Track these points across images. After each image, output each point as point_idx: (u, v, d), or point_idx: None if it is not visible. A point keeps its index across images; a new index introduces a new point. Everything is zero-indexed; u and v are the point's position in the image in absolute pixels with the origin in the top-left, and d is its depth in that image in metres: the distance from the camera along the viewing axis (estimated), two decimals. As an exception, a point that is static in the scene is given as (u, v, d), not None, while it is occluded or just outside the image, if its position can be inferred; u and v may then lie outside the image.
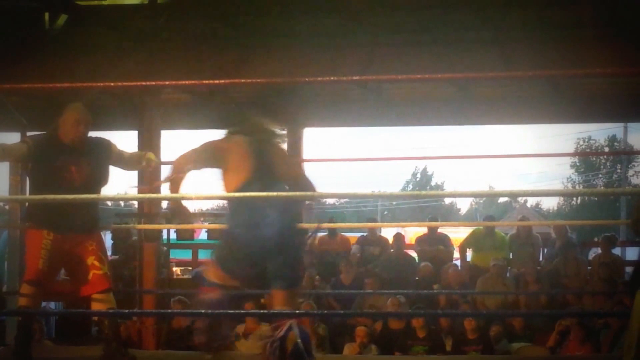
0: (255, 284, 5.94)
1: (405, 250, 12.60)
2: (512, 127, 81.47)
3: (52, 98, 10.50)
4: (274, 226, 5.27)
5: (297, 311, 5.76)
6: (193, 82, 8.73)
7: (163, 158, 8.46)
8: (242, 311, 5.03)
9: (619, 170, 47.70)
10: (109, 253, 7.17)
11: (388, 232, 14.82)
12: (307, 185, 5.62)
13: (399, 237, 12.42)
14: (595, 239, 13.58)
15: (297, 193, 5.14)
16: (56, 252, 6.05)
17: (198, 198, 5.38)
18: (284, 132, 5.97)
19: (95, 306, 6.17)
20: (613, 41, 9.59)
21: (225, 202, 7.44)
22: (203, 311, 5.54)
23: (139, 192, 8.47)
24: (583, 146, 50.16)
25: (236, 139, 5.63)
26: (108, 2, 10.63)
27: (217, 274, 5.61)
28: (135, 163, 6.53)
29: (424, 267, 11.67)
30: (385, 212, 51.67)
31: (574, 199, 51.32)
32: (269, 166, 5.53)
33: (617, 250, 12.45)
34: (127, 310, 5.59)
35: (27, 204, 6.77)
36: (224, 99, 12.37)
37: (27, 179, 6.52)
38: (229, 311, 5.54)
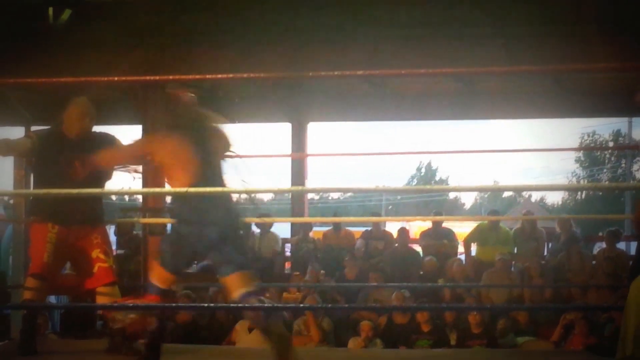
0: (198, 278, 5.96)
1: (409, 245, 12.61)
2: (516, 122, 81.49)
3: (56, 93, 10.52)
4: (221, 221, 5.29)
5: (301, 304, 5.77)
6: (197, 76, 8.72)
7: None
8: (246, 305, 5.04)
9: (623, 165, 47.63)
10: (113, 247, 7.19)
11: (393, 227, 14.83)
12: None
13: (403, 232, 12.42)
14: (600, 234, 13.60)
15: (302, 188, 5.15)
16: (61, 246, 6.08)
17: (204, 192, 5.36)
18: (227, 124, 5.90)
19: (101, 300, 6.19)
20: (617, 36, 9.59)
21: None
22: (206, 305, 5.55)
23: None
24: (587, 141, 50.09)
25: (178, 134, 5.52)
26: (112, -3, 10.66)
27: (161, 275, 5.56)
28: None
29: (428, 262, 11.68)
30: (390, 207, 51.70)
31: (579, 193, 51.25)
32: (214, 157, 5.52)
33: (621, 245, 12.43)
34: (131, 304, 5.59)
35: (31, 198, 6.78)
36: (228, 94, 12.37)
37: (32, 173, 6.53)
38: (235, 305, 5.53)
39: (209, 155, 5.46)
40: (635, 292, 2.77)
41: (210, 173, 5.40)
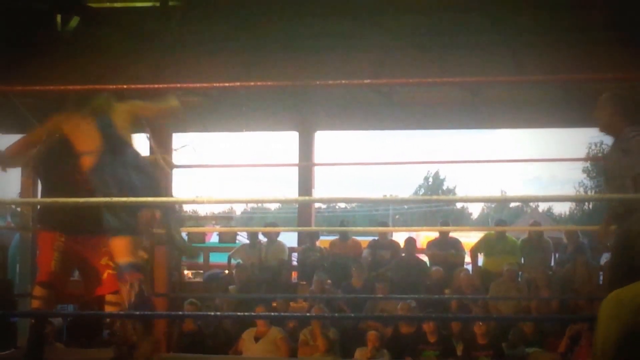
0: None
1: (416, 255, 12.58)
2: (523, 131, 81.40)
3: (64, 100, 10.52)
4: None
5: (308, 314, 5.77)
6: (204, 84, 8.72)
7: (173, 161, 8.47)
8: (252, 314, 5.00)
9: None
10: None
11: (400, 237, 14.80)
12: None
13: (410, 242, 12.40)
14: (607, 244, 13.52)
15: (309, 198, 5.14)
16: (69, 253, 6.06)
17: (210, 202, 5.36)
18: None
19: (109, 309, 6.17)
20: (625, 45, 9.56)
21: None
22: (212, 313, 5.54)
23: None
24: (595, 151, 49.98)
25: (79, 116, 5.77)
26: (120, 4, 10.64)
27: (122, 246, 5.62)
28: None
29: (435, 272, 11.65)
30: (397, 217, 51.64)
31: (586, 203, 51.14)
32: (116, 136, 5.72)
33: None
34: (137, 313, 5.57)
35: (39, 206, 6.77)
36: (235, 102, 12.37)
37: (39, 181, 6.52)
38: (242, 314, 5.53)
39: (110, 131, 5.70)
40: (607, 311, 2.77)
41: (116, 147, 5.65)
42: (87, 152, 5.67)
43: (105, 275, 6.17)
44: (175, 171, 8.74)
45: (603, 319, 2.75)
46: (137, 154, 5.86)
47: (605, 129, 5.70)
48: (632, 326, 2.67)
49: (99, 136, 5.69)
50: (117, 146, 5.68)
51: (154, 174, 5.99)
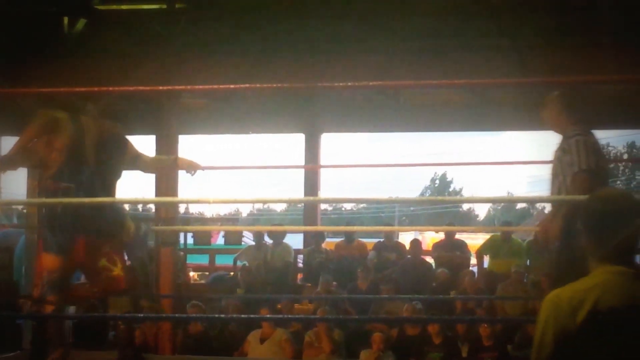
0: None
1: (422, 256, 12.58)
2: (530, 133, 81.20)
3: (70, 103, 10.54)
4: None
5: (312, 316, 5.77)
6: (211, 86, 8.74)
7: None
8: (257, 316, 5.01)
9: (637, 177, 47.46)
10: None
11: (405, 237, 14.80)
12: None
13: (415, 243, 12.41)
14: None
15: (315, 198, 5.14)
16: (70, 255, 6.06)
17: (216, 202, 5.38)
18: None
19: (112, 311, 6.19)
20: (630, 47, 9.56)
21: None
22: (217, 315, 5.56)
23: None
24: (601, 152, 49.89)
25: (56, 113, 5.73)
26: (126, 6, 10.67)
27: (50, 263, 5.69)
28: (151, 166, 6.51)
29: (440, 273, 11.65)
30: (403, 218, 51.59)
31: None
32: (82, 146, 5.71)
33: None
34: (141, 315, 5.58)
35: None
36: (242, 104, 12.39)
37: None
38: (247, 316, 5.54)
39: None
40: (545, 311, 2.79)
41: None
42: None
43: (107, 275, 6.18)
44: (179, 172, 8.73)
45: (541, 319, 2.77)
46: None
47: (552, 127, 5.79)
48: (567, 327, 2.69)
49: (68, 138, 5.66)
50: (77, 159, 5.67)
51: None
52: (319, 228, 13.60)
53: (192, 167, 6.25)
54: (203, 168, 6.36)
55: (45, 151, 5.71)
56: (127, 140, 6.22)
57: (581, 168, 5.34)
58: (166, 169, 6.51)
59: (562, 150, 5.52)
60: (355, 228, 13.95)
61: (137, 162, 6.26)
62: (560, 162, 5.51)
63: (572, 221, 5.22)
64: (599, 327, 2.64)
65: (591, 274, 2.79)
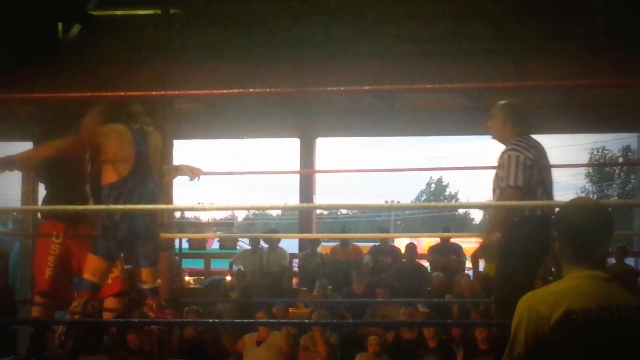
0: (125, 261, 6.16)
1: (417, 260, 12.58)
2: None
3: (65, 108, 10.54)
4: (144, 218, 5.70)
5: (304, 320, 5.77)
6: (206, 91, 8.74)
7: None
8: (252, 320, 5.01)
9: (633, 180, 47.50)
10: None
11: (401, 242, 14.79)
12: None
13: (411, 247, 12.40)
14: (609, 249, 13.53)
15: (310, 205, 5.15)
16: (66, 258, 6.04)
17: (212, 209, 5.38)
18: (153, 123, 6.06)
19: (106, 315, 6.17)
20: (626, 51, 9.58)
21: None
22: (211, 320, 5.56)
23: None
24: (597, 156, 49.97)
25: (116, 126, 5.70)
26: (121, 12, 10.68)
27: (94, 266, 5.70)
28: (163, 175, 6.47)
29: (436, 277, 11.64)
30: (399, 222, 51.60)
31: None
32: (146, 157, 5.75)
33: (630, 261, 12.39)
34: (136, 320, 5.58)
35: (44, 199, 6.72)
36: (237, 109, 12.39)
37: (45, 176, 6.48)
38: (241, 320, 5.54)
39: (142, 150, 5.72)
40: (518, 313, 2.83)
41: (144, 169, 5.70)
42: (115, 161, 5.66)
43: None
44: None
45: (515, 319, 2.82)
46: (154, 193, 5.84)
47: (495, 138, 5.77)
48: (540, 327, 2.73)
49: (133, 150, 5.68)
50: (143, 170, 5.72)
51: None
52: (315, 236, 13.58)
53: (194, 173, 6.24)
54: (205, 173, 6.36)
55: (96, 160, 5.75)
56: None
57: (508, 185, 5.31)
58: (170, 177, 6.51)
59: (498, 164, 5.52)
60: (350, 235, 13.89)
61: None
62: (496, 176, 5.52)
63: (509, 236, 5.28)
64: (573, 328, 2.70)
65: (565, 277, 2.86)
